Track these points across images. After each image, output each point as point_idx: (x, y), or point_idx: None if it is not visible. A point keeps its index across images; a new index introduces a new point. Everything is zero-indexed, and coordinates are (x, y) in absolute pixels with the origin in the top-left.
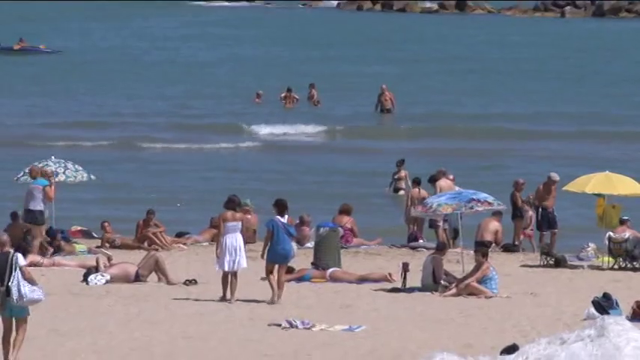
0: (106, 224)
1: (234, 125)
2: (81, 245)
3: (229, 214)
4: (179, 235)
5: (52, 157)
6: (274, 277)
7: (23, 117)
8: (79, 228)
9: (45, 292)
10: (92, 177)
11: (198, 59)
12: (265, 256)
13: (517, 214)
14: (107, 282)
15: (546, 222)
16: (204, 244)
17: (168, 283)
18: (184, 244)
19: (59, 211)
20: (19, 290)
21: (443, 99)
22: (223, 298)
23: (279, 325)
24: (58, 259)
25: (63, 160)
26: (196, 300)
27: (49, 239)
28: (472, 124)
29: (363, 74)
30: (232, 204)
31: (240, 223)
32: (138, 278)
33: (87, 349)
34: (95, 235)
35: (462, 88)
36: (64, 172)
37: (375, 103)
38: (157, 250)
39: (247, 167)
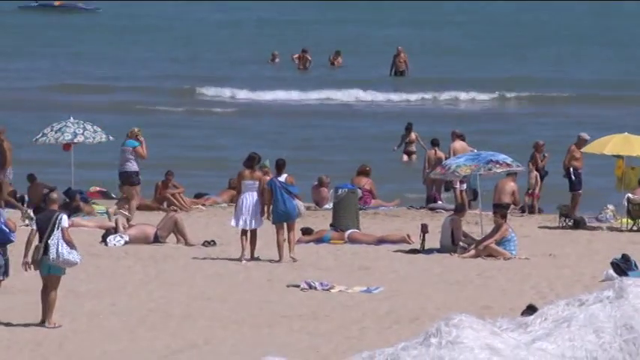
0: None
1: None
2: (100, 206)
3: (247, 172)
4: (198, 196)
5: (71, 118)
6: (280, 237)
7: (43, 78)
8: (97, 189)
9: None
10: (111, 138)
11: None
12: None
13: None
14: (126, 243)
15: (578, 182)
16: (223, 205)
17: (187, 244)
18: (203, 205)
19: (77, 168)
20: (57, 249)
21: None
22: (240, 258)
23: (298, 287)
24: (77, 219)
25: (81, 121)
26: (215, 260)
27: (67, 200)
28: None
29: (385, 36)
30: (251, 162)
31: (257, 182)
32: (157, 239)
33: (105, 310)
34: (114, 196)
35: (481, 49)
36: (82, 133)
37: (390, 65)
38: (175, 211)
39: (260, 131)
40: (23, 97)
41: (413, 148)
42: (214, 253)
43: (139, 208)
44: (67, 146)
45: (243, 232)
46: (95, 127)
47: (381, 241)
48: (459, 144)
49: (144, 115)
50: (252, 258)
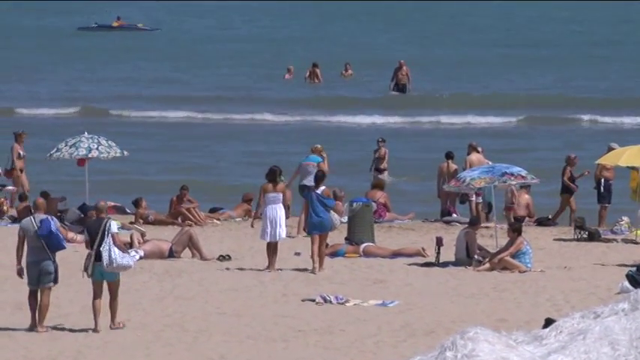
0: (141, 200)
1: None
2: (115, 221)
3: (270, 185)
4: (213, 210)
5: (85, 133)
6: (316, 248)
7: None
8: (112, 204)
9: (78, 267)
10: (125, 153)
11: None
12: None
13: (566, 189)
14: (141, 258)
15: (608, 194)
16: (238, 219)
17: (202, 258)
18: (218, 219)
19: (92, 183)
20: (109, 255)
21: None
22: (267, 268)
23: (313, 301)
24: None
25: (96, 136)
26: (230, 275)
27: (82, 215)
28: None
29: (392, 50)
30: (273, 175)
31: (280, 195)
32: (172, 254)
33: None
34: (128, 211)
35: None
36: (97, 148)
37: (390, 78)
38: (190, 225)
39: (271, 146)
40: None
41: (384, 164)
42: (229, 267)
43: (154, 223)
44: (81, 161)
45: (269, 244)
46: (110, 142)
47: (396, 255)
48: (475, 156)
49: (151, 126)
50: (276, 269)
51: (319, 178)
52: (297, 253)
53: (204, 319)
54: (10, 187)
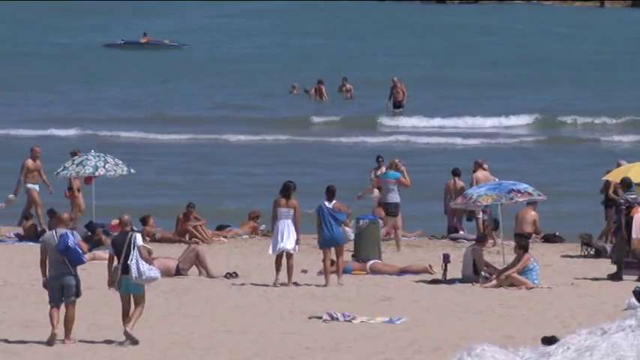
0: (148, 218)
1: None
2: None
3: (282, 200)
4: (219, 228)
5: (92, 151)
6: (327, 262)
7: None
8: (118, 221)
9: (85, 286)
10: (132, 171)
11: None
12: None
13: (609, 203)
14: None
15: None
16: (245, 236)
17: (209, 276)
18: (225, 237)
19: (99, 201)
20: (138, 268)
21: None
22: (276, 282)
23: (320, 318)
24: (98, 253)
25: (102, 154)
26: (237, 292)
27: (89, 233)
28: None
29: (396, 66)
30: (287, 191)
31: (292, 210)
32: (179, 272)
33: (128, 343)
34: (135, 229)
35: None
36: (103, 167)
37: (387, 97)
38: (197, 243)
39: (274, 160)
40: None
41: None
42: (236, 285)
43: (161, 240)
44: (88, 180)
45: (278, 257)
46: (116, 159)
47: (403, 272)
48: (481, 173)
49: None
50: (292, 283)
51: (331, 192)
52: (304, 271)
53: (211, 336)
54: (11, 196)
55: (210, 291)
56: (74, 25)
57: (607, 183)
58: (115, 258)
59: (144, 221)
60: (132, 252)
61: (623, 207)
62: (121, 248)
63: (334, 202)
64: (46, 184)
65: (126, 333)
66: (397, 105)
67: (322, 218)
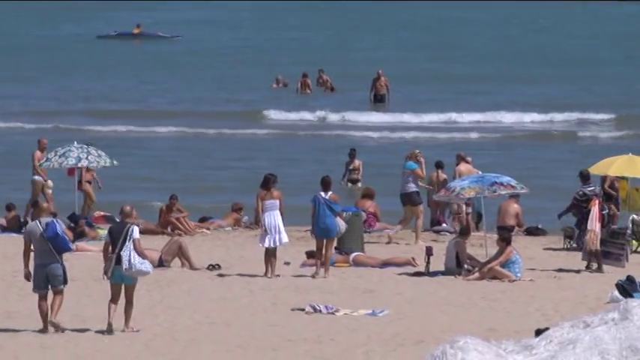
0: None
1: (253, 112)
2: (104, 231)
3: (264, 192)
4: (202, 220)
5: (75, 143)
6: (327, 252)
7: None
8: (102, 213)
9: (69, 277)
10: (115, 162)
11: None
12: (312, 233)
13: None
14: None
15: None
16: (227, 228)
17: (192, 268)
18: (208, 229)
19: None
20: (129, 260)
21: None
22: (265, 274)
23: (303, 310)
24: (81, 244)
25: (85, 146)
26: (219, 284)
27: (72, 225)
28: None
29: (385, 59)
30: (268, 183)
31: (277, 201)
32: (161, 263)
33: (110, 335)
34: (117, 220)
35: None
36: (86, 158)
37: (369, 89)
38: (180, 235)
39: (263, 154)
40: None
41: (357, 175)
42: (219, 277)
43: (143, 232)
44: (71, 171)
45: (267, 250)
46: (99, 151)
47: (385, 264)
48: (464, 166)
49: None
50: (275, 275)
51: (327, 182)
52: (287, 263)
53: (194, 328)
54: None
55: (193, 283)
56: (66, 18)
57: (604, 178)
58: (111, 247)
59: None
60: (126, 243)
61: (582, 200)
62: (117, 238)
63: (330, 193)
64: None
65: (110, 326)
66: (379, 98)
67: (318, 208)
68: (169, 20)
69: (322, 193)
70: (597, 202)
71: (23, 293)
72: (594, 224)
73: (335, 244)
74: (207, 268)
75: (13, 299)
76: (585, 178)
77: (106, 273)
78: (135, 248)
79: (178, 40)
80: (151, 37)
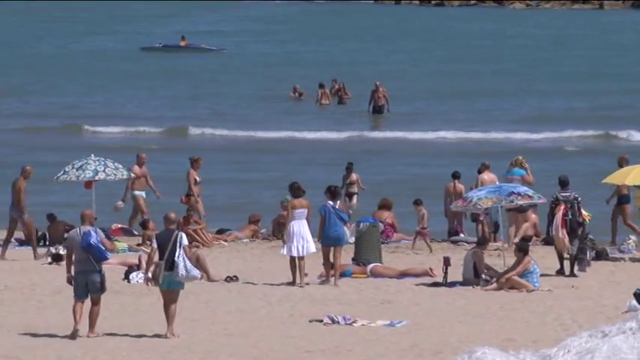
0: (148, 222)
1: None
2: (122, 243)
3: (297, 201)
4: (220, 231)
5: (92, 155)
6: (336, 261)
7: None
8: (119, 226)
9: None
10: (132, 174)
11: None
12: (321, 242)
13: (622, 200)
14: None
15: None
16: (245, 240)
17: (209, 279)
18: (225, 240)
19: (99, 205)
20: (185, 266)
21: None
22: (293, 283)
23: (321, 321)
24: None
25: (102, 159)
26: (237, 296)
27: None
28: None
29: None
30: (299, 191)
31: (306, 211)
32: None
33: (128, 347)
34: (136, 233)
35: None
36: (103, 171)
37: (368, 101)
38: (197, 247)
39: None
40: None
41: (354, 189)
42: (236, 288)
43: None
44: (88, 184)
45: (293, 259)
46: (116, 163)
47: (403, 275)
48: (487, 175)
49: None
50: (305, 283)
51: (336, 192)
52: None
53: (212, 340)
54: (120, 203)
55: (210, 295)
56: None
57: (619, 187)
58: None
59: (144, 225)
60: (178, 250)
61: (553, 204)
62: (165, 245)
63: (338, 202)
64: (153, 190)
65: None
66: (377, 110)
67: (327, 217)
68: (194, 30)
69: (331, 203)
70: (562, 207)
71: (41, 306)
72: (558, 229)
73: (340, 252)
74: (225, 280)
75: (32, 312)
76: (564, 183)
77: (155, 279)
78: (186, 255)
79: (224, 52)
80: (197, 50)
